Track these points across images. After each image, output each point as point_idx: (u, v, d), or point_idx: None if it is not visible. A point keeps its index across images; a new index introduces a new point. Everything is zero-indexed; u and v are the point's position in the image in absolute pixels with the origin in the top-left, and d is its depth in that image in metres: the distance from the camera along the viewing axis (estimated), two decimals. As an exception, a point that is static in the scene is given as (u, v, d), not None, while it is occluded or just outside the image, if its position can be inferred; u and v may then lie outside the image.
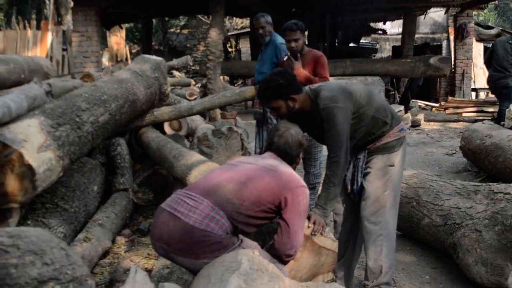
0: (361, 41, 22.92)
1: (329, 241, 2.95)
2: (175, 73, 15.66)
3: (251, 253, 2.19)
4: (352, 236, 3.40)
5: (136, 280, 1.95)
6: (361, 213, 3.19)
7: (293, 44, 4.71)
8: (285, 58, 4.87)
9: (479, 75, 17.21)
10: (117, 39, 21.41)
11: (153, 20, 20.75)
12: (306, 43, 15.19)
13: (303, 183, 2.64)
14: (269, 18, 5.37)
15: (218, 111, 8.81)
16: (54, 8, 11.33)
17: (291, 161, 2.82)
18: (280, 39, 5.31)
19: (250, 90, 5.95)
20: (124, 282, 1.90)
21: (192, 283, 2.18)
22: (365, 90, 3.19)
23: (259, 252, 2.43)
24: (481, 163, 6.19)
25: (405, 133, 3.24)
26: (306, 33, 17.05)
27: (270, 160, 2.72)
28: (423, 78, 13.63)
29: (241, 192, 2.45)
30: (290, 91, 3.00)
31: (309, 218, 2.87)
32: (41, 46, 11.42)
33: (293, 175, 2.65)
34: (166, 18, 26.19)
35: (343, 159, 2.94)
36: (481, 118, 10.92)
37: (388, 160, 3.12)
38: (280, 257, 2.57)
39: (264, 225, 2.71)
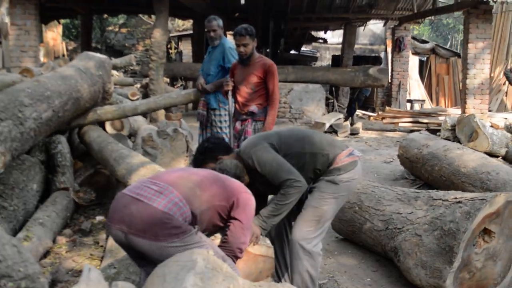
0: (302, 48, 23.30)
1: (264, 248, 3.01)
2: (114, 72, 15.37)
3: (205, 253, 2.20)
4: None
5: (90, 278, 1.91)
6: (295, 221, 3.22)
7: (241, 49, 4.78)
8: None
9: (414, 87, 17.85)
10: (54, 34, 20.83)
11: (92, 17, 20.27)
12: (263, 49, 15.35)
13: (250, 192, 2.77)
14: (220, 22, 5.39)
15: (160, 113, 8.73)
16: (-13, 0, 10.89)
17: None
18: (229, 44, 5.33)
19: (195, 92, 5.93)
20: (79, 281, 1.86)
21: (145, 282, 2.16)
22: (291, 130, 3.40)
23: (213, 248, 2.49)
24: (418, 171, 6.42)
25: (356, 157, 3.22)
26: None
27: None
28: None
29: (202, 183, 2.58)
30: (216, 153, 3.10)
31: None
32: (-27, 38, 10.94)
33: (242, 184, 2.81)
34: (105, 16, 25.67)
35: (299, 183, 2.97)
36: (416, 128, 11.32)
37: (334, 180, 3.15)
38: (234, 251, 2.64)
39: (217, 230, 2.78)
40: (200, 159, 3.12)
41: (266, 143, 3.06)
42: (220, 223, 2.67)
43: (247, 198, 2.67)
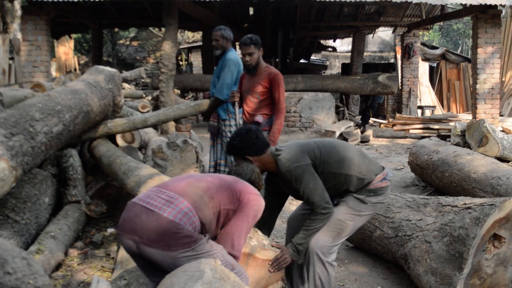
0: (312, 57, 23.35)
1: (271, 253, 3.04)
2: (125, 85, 15.54)
3: (213, 262, 2.22)
4: None
5: (99, 289, 1.94)
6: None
7: (247, 58, 4.83)
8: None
9: (425, 93, 17.78)
10: (65, 49, 21.05)
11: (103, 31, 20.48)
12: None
13: (258, 192, 2.78)
14: (226, 33, 5.30)
15: (171, 124, 8.78)
16: (0, 16, 11.03)
17: None
18: (230, 55, 5.30)
19: (204, 103, 5.95)
20: (87, 292, 1.89)
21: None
22: (332, 147, 3.23)
23: (223, 256, 2.50)
24: (428, 177, 6.41)
25: (388, 182, 3.28)
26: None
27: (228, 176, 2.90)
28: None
29: (209, 189, 2.59)
30: (246, 153, 3.12)
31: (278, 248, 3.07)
32: (-14, 54, 11.09)
33: (249, 185, 2.81)
34: (116, 30, 25.93)
35: (329, 209, 3.06)
36: (427, 134, 11.27)
37: (363, 199, 3.20)
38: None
39: None
40: (230, 152, 3.23)
41: (308, 160, 3.08)
42: None
43: (253, 199, 2.68)
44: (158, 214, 2.40)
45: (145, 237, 2.38)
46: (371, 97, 13.35)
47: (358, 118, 15.56)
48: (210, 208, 2.54)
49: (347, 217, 3.18)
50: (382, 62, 20.71)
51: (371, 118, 14.43)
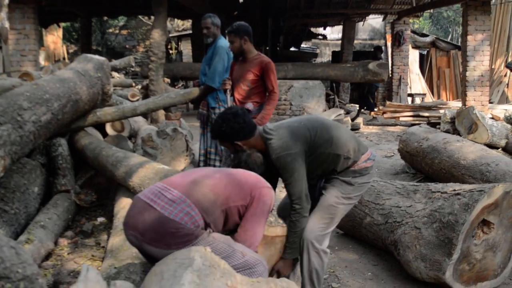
0: (302, 45, 23.30)
1: (279, 228, 3.05)
2: (114, 74, 15.43)
3: (203, 250, 2.22)
4: None
5: (88, 278, 1.93)
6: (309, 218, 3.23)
7: (230, 46, 4.89)
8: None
9: (415, 81, 17.83)
10: (54, 38, 20.87)
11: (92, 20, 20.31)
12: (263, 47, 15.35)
13: (269, 185, 2.75)
14: (216, 20, 5.28)
15: (161, 113, 8.74)
16: (-13, 5, 10.90)
17: None
18: (220, 42, 5.28)
19: (194, 92, 5.92)
20: (77, 280, 1.88)
21: (144, 280, 2.18)
22: (321, 128, 3.14)
23: (230, 245, 2.51)
24: (418, 165, 6.43)
25: (372, 162, 3.25)
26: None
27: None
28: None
29: (216, 186, 2.55)
30: (234, 138, 3.01)
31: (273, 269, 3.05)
32: (-27, 43, 10.98)
33: (260, 177, 2.78)
34: (105, 18, 25.73)
35: (305, 205, 3.01)
36: (417, 122, 11.32)
37: (350, 181, 3.17)
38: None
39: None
40: (217, 137, 3.11)
41: (299, 146, 2.99)
42: (237, 226, 2.68)
43: (264, 193, 2.66)
44: (159, 212, 2.40)
45: (146, 236, 2.40)
46: (368, 84, 13.37)
47: (349, 106, 15.56)
48: (217, 206, 2.51)
49: (337, 201, 3.15)
50: (370, 50, 20.68)
51: (352, 105, 14.39)
